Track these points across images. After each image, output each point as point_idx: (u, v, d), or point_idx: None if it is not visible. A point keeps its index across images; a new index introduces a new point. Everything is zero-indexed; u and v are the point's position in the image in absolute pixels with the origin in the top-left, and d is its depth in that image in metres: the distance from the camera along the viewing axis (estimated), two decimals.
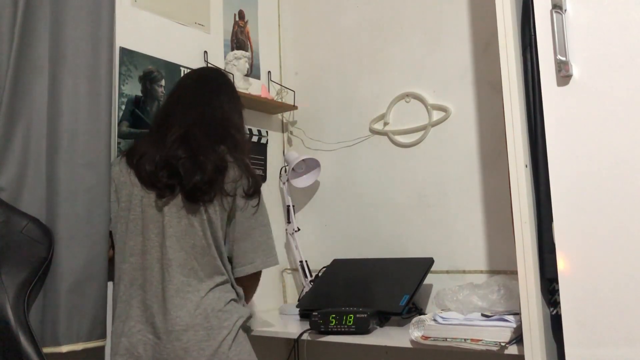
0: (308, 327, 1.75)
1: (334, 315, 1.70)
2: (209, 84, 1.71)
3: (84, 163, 1.69)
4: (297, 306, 2.07)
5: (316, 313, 1.74)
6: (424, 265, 1.94)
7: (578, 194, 1.24)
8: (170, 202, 1.54)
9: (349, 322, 1.68)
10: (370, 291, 1.94)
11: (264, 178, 2.42)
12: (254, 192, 1.58)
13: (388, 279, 1.95)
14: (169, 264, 1.51)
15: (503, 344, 1.40)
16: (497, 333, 1.42)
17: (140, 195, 1.59)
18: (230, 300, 1.54)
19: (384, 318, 1.79)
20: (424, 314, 1.87)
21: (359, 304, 1.80)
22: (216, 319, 1.48)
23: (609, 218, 1.20)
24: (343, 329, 1.69)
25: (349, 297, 1.93)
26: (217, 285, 1.53)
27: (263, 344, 1.94)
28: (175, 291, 1.49)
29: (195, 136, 1.55)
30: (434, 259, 1.97)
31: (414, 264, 1.97)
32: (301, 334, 1.75)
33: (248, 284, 1.65)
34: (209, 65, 2.23)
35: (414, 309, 1.93)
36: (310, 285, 2.20)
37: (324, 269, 2.21)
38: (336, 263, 2.21)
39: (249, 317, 1.59)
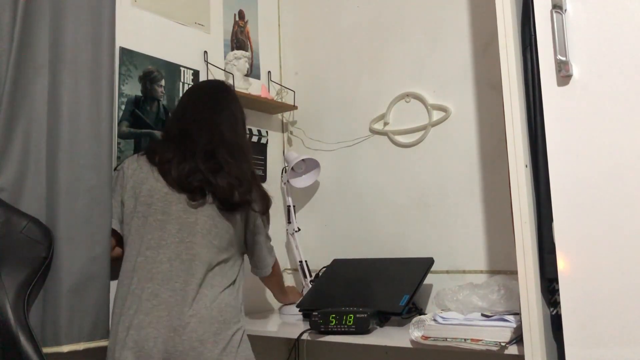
0: (308, 327, 1.75)
1: (334, 315, 1.70)
2: (221, 102, 1.78)
3: (84, 163, 1.69)
4: (297, 306, 2.07)
5: (316, 313, 1.74)
6: (424, 265, 1.94)
7: (578, 194, 1.24)
8: (201, 203, 1.61)
9: (349, 322, 1.68)
10: (371, 291, 1.94)
11: (264, 178, 2.42)
12: (266, 209, 1.75)
13: (388, 279, 1.95)
14: (192, 259, 1.56)
15: (503, 344, 1.39)
16: (497, 333, 1.42)
17: (164, 192, 1.61)
18: (242, 301, 1.64)
19: (384, 318, 1.79)
20: (424, 314, 1.87)
21: (359, 304, 1.80)
22: (229, 314, 1.54)
23: (609, 218, 1.20)
24: (343, 329, 1.69)
25: (349, 297, 1.93)
26: (232, 284, 1.61)
27: (263, 344, 1.94)
28: (197, 285, 1.53)
29: (224, 155, 1.65)
30: (434, 258, 1.97)
31: (414, 264, 1.97)
32: (301, 334, 1.75)
33: (270, 283, 1.97)
34: (209, 64, 2.23)
35: (414, 309, 1.93)
36: (310, 285, 2.20)
37: (324, 269, 2.21)
38: (336, 263, 2.21)
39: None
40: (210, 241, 1.59)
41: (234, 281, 1.63)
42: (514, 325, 1.43)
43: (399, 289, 1.86)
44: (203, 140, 1.66)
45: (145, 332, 1.48)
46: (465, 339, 1.45)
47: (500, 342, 1.40)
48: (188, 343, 1.47)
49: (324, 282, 2.13)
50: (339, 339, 1.70)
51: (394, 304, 1.81)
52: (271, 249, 1.82)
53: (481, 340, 1.42)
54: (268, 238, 1.79)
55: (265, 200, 1.73)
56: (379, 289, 1.93)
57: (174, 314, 1.49)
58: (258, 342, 1.75)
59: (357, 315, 1.69)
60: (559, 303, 1.27)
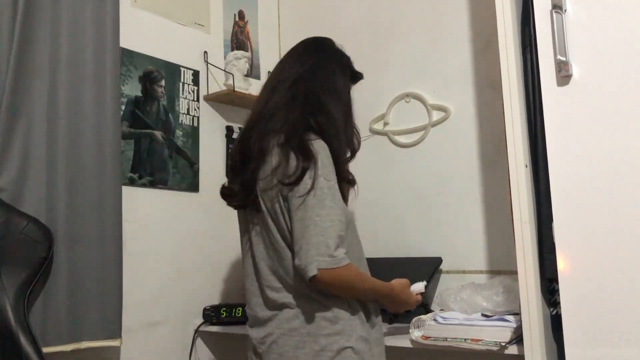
0: None
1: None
2: None
3: (85, 163, 1.69)
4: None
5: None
6: (432, 264, 1.94)
7: (578, 194, 1.24)
8: None
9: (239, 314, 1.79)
10: None
11: None
12: None
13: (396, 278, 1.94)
14: None
15: (503, 344, 1.39)
16: (497, 333, 1.42)
17: None
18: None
19: (393, 315, 1.77)
20: (432, 311, 1.87)
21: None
22: None
23: (609, 218, 1.20)
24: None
25: None
26: None
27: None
28: None
29: None
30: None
31: (422, 263, 1.96)
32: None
33: None
34: (209, 64, 2.23)
35: (423, 308, 1.92)
36: None
37: None
38: None
39: None
40: None
41: None
42: (514, 325, 1.43)
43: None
44: None
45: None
46: (465, 339, 1.45)
47: (500, 342, 1.40)
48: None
49: None
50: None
51: None
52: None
53: (481, 340, 1.43)
54: None
55: None
56: None
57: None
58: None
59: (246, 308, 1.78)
60: (559, 303, 1.27)
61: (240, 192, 1.40)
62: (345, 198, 1.39)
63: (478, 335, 1.44)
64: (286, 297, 1.34)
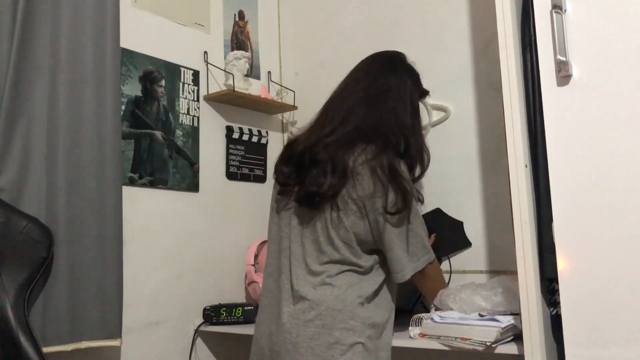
0: None
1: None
2: None
3: (85, 164, 1.69)
4: None
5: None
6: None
7: (578, 194, 1.24)
8: None
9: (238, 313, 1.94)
10: None
11: (263, 178, 2.42)
12: None
13: None
14: None
15: (488, 344, 1.40)
16: (483, 333, 1.43)
17: None
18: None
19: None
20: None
21: None
22: None
23: (609, 218, 1.20)
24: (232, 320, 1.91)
25: None
26: None
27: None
28: None
29: None
30: None
31: None
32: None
33: None
34: (209, 64, 2.23)
35: (423, 308, 1.92)
36: None
37: None
38: None
39: None
40: None
41: None
42: (503, 325, 1.43)
43: (411, 285, 1.85)
44: None
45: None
46: (455, 338, 1.46)
47: (485, 342, 1.40)
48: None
49: None
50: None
51: (404, 302, 1.81)
52: None
53: (470, 339, 1.44)
54: None
55: None
56: None
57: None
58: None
59: (245, 308, 1.96)
60: (559, 303, 1.27)
61: (325, 193, 1.42)
62: None
63: (468, 334, 1.45)
64: (307, 290, 1.40)
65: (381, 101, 1.48)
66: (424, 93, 1.66)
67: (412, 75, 1.60)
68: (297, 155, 1.49)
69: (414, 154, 1.50)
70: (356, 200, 1.41)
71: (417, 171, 1.57)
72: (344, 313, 1.39)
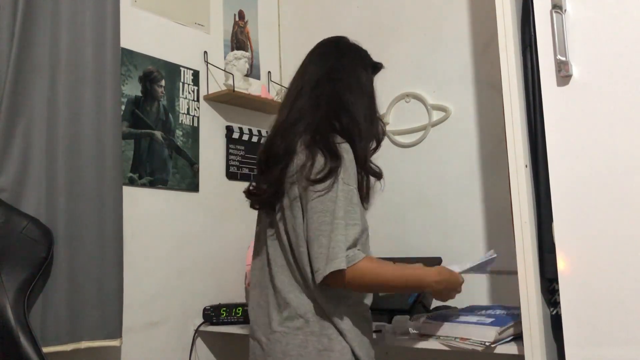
0: None
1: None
2: None
3: (84, 164, 1.69)
4: None
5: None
6: (432, 264, 1.93)
7: (578, 193, 1.24)
8: None
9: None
10: None
11: None
12: None
13: None
14: None
15: (487, 344, 1.40)
16: (483, 333, 1.43)
17: None
18: None
19: (390, 315, 1.78)
20: (431, 311, 1.87)
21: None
22: None
23: (609, 218, 1.20)
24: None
25: None
26: None
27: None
28: None
29: None
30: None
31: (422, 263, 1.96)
32: None
33: None
34: (209, 64, 2.23)
35: (422, 307, 1.92)
36: None
37: None
38: None
39: None
40: None
41: None
42: (505, 326, 1.43)
43: None
44: None
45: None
46: (455, 338, 1.47)
47: (484, 342, 1.40)
48: None
49: None
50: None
51: (402, 302, 1.81)
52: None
53: (469, 339, 1.44)
54: None
55: None
56: None
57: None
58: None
59: (245, 308, 1.89)
60: (559, 303, 1.27)
61: (266, 191, 1.39)
62: (367, 197, 1.42)
63: (467, 334, 1.46)
64: (293, 296, 1.34)
65: (321, 86, 1.45)
66: (376, 67, 1.62)
67: (354, 53, 1.56)
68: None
69: (358, 133, 1.39)
70: (293, 181, 1.34)
71: (372, 145, 1.46)
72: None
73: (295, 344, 1.30)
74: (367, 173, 1.40)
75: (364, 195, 1.40)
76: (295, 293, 1.33)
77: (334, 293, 1.31)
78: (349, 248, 1.24)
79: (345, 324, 1.32)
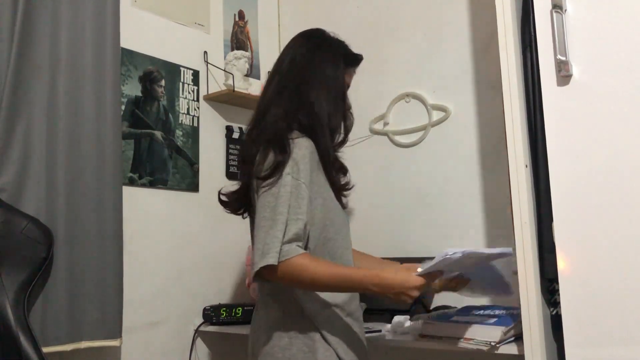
0: None
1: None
2: None
3: (84, 164, 1.69)
4: None
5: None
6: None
7: (578, 193, 1.24)
8: None
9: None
10: None
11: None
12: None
13: None
14: None
15: (493, 344, 1.40)
16: (488, 333, 1.43)
17: None
18: None
19: (391, 315, 1.77)
20: (430, 311, 1.87)
21: (365, 301, 1.79)
22: None
23: (609, 218, 1.20)
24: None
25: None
26: None
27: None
28: None
29: None
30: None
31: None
32: None
33: None
34: (209, 64, 2.23)
35: (422, 308, 1.92)
36: None
37: None
38: None
39: None
40: None
41: None
42: (509, 325, 1.43)
43: None
44: None
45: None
46: (459, 338, 1.46)
47: (490, 342, 1.40)
48: None
49: None
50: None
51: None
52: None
53: (473, 339, 1.43)
54: None
55: None
56: None
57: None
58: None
59: (245, 308, 1.96)
60: (559, 303, 1.27)
61: (232, 195, 1.40)
62: (339, 191, 1.41)
63: (471, 334, 1.45)
64: (261, 295, 1.38)
65: (285, 80, 1.42)
66: (350, 59, 1.53)
67: (325, 46, 1.50)
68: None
69: (319, 128, 1.35)
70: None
71: (339, 137, 1.43)
72: None
73: (280, 346, 1.30)
74: (332, 168, 1.38)
75: (337, 190, 1.40)
76: (280, 294, 1.33)
77: (318, 294, 1.31)
78: (286, 243, 1.21)
79: (330, 326, 1.31)
